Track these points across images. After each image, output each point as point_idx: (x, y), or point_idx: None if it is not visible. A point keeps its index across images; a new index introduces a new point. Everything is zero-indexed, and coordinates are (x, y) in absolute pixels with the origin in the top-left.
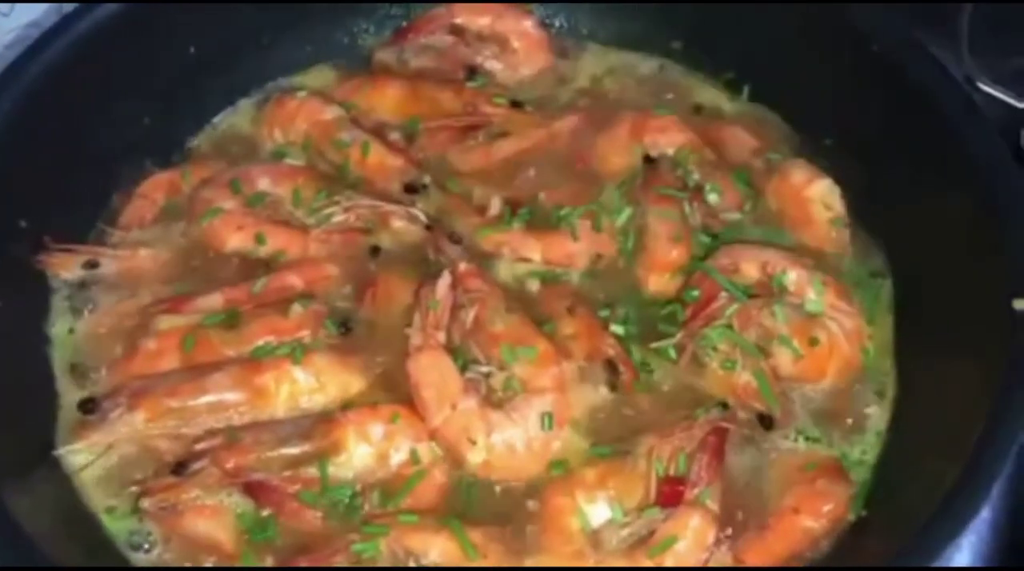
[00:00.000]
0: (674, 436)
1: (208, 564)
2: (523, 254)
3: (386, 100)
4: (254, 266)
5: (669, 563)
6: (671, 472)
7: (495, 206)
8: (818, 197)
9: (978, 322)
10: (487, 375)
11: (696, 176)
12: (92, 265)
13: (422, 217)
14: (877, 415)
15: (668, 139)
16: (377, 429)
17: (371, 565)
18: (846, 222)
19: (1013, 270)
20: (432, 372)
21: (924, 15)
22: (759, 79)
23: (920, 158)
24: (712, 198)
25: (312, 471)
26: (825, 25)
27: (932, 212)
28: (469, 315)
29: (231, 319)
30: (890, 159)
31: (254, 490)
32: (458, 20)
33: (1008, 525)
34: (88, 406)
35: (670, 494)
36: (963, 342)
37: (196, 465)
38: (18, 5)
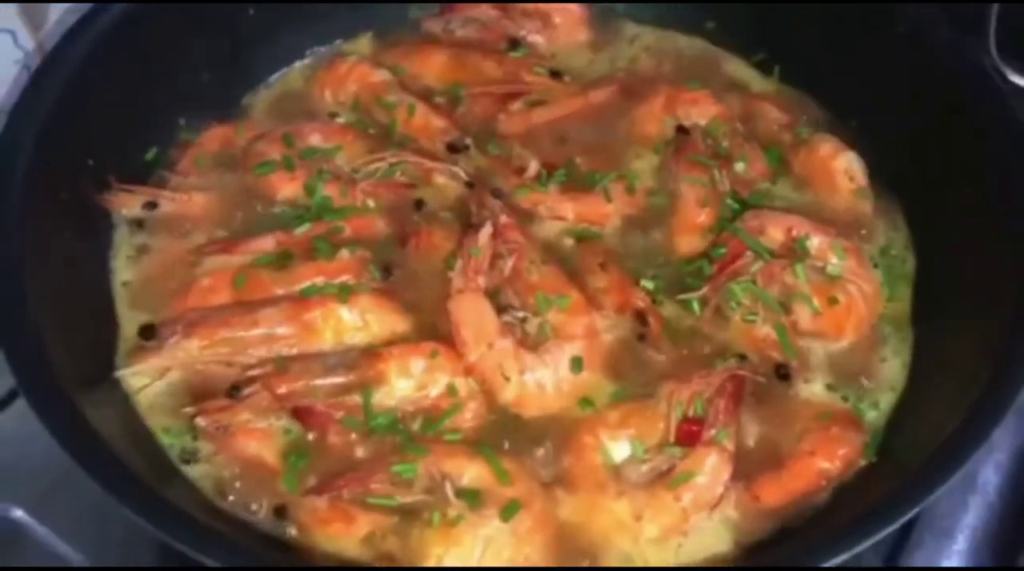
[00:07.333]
0: (693, 382)
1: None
2: (558, 213)
3: (432, 66)
4: (304, 214)
5: (687, 496)
6: (690, 414)
7: (533, 167)
8: (843, 169)
9: (991, 293)
10: (522, 320)
11: (726, 145)
12: (151, 205)
13: (463, 175)
14: (892, 373)
15: (700, 111)
16: (418, 363)
17: (408, 483)
18: (869, 195)
19: None
20: (472, 312)
21: (952, 10)
22: (789, 60)
23: (945, 140)
24: (739, 167)
25: (356, 398)
26: (855, 7)
27: (954, 193)
28: (507, 264)
29: (282, 260)
30: (915, 140)
31: (301, 414)
32: None
33: (1012, 491)
34: (147, 332)
35: (688, 433)
36: (975, 311)
37: (248, 389)
38: None
